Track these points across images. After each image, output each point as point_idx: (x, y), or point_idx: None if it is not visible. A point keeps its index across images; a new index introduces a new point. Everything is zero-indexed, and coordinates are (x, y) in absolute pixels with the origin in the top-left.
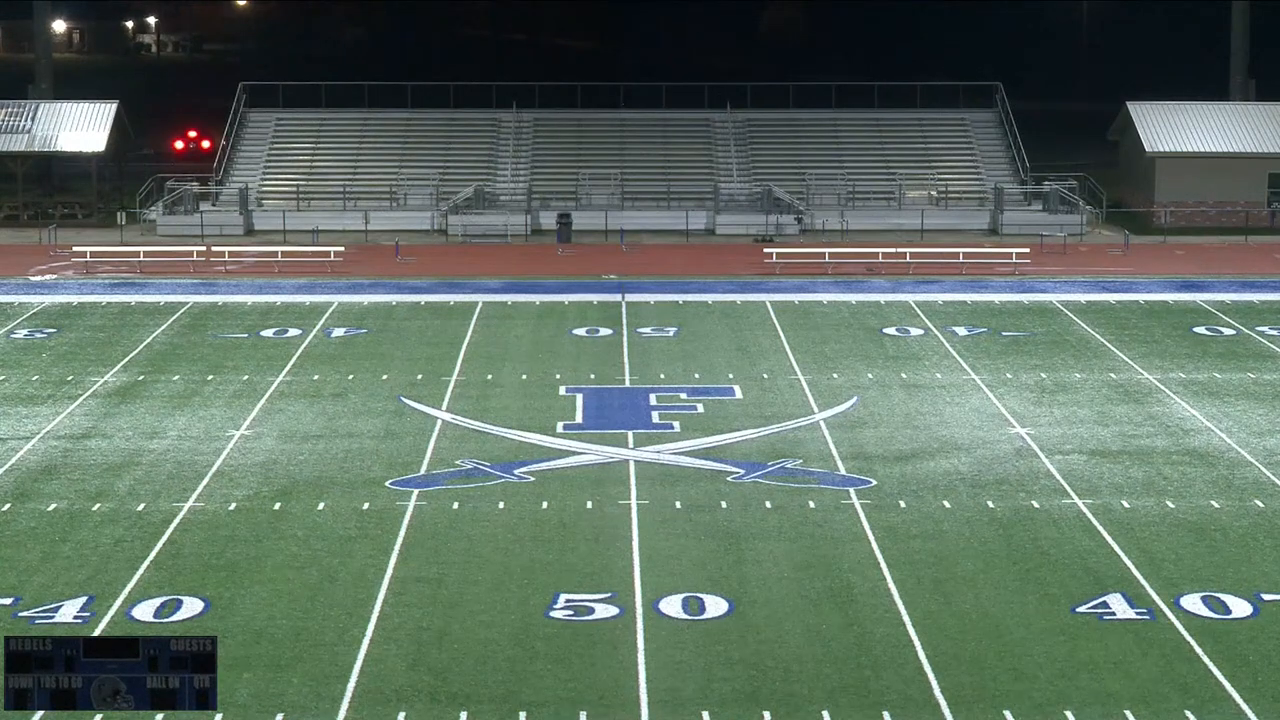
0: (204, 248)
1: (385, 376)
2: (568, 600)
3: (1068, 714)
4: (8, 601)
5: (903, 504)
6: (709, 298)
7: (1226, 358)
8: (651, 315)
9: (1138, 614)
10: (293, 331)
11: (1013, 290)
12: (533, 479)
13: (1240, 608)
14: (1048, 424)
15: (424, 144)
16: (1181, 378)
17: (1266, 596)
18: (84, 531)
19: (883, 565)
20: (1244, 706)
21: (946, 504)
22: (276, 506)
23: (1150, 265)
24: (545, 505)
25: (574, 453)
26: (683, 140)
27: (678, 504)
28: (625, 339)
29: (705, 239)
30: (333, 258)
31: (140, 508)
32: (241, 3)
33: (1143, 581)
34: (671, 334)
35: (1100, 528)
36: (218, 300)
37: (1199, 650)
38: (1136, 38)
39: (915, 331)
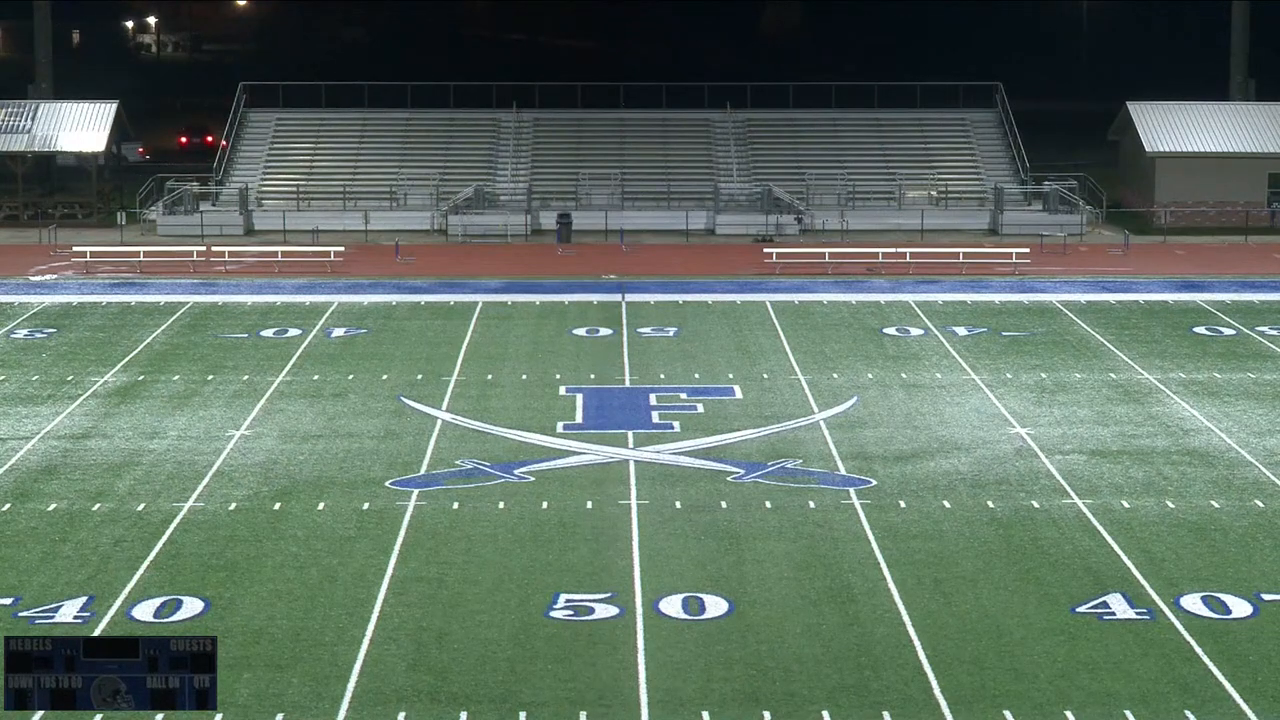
0: (204, 248)
1: (385, 376)
2: (568, 600)
3: (1068, 714)
4: (8, 601)
5: (903, 504)
6: (709, 298)
7: (1226, 358)
8: (651, 315)
9: (1138, 614)
10: (293, 331)
11: (1013, 290)
12: (533, 479)
13: (1240, 608)
14: (1048, 424)
15: (424, 144)
16: (1181, 378)
17: (1266, 596)
18: (84, 531)
19: (883, 565)
20: (1244, 706)
21: (946, 504)
22: (276, 506)
23: (1150, 265)
24: (545, 505)
25: (574, 453)
26: (683, 140)
27: (678, 504)
28: (625, 339)
29: (705, 239)
30: (333, 258)
31: (140, 508)
32: (241, 3)
33: (1143, 581)
34: (671, 334)
35: (1100, 528)
36: (218, 300)
37: (1199, 650)
38: (1136, 38)
39: (915, 331)
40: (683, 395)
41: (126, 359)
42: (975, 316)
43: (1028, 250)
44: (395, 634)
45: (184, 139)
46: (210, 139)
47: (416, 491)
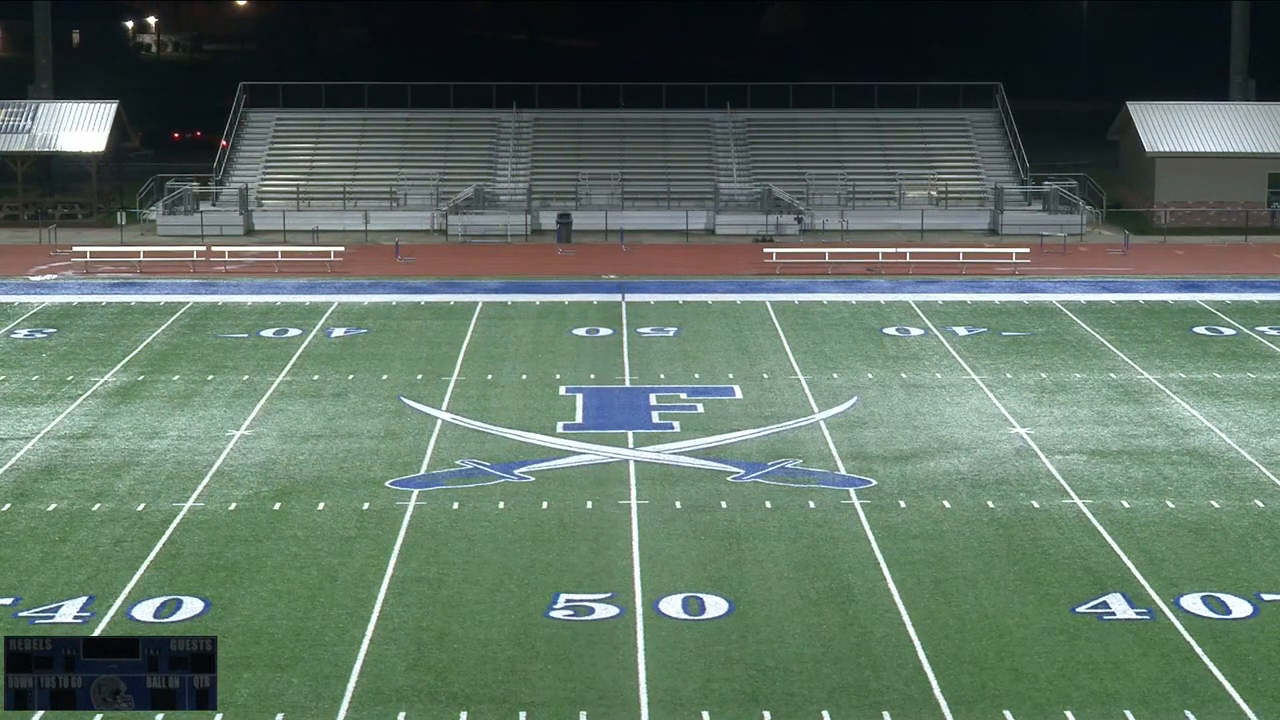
0: (204, 248)
1: (385, 376)
2: (568, 600)
3: (1068, 714)
4: (8, 601)
5: (903, 504)
6: (709, 298)
7: (1226, 358)
8: (651, 315)
9: (1138, 614)
10: (293, 331)
11: (1013, 290)
12: (533, 479)
13: (1240, 608)
14: (1048, 424)
15: (424, 144)
16: (1181, 378)
17: (1266, 596)
18: (84, 531)
19: (883, 565)
20: (1244, 706)
21: (946, 504)
22: (276, 506)
23: (1150, 265)
24: (545, 505)
25: (574, 453)
26: (683, 140)
27: (678, 504)
28: (625, 339)
29: (705, 239)
30: (333, 258)
31: (140, 508)
32: (241, 3)
33: (1143, 581)
34: (671, 334)
35: (1100, 528)
36: (218, 300)
37: (1199, 650)
38: (1136, 38)
39: (915, 331)
40: (683, 395)
41: (126, 359)
42: (975, 316)
43: (1028, 250)
44: (395, 634)
45: (177, 134)
46: (199, 134)
47: (416, 491)
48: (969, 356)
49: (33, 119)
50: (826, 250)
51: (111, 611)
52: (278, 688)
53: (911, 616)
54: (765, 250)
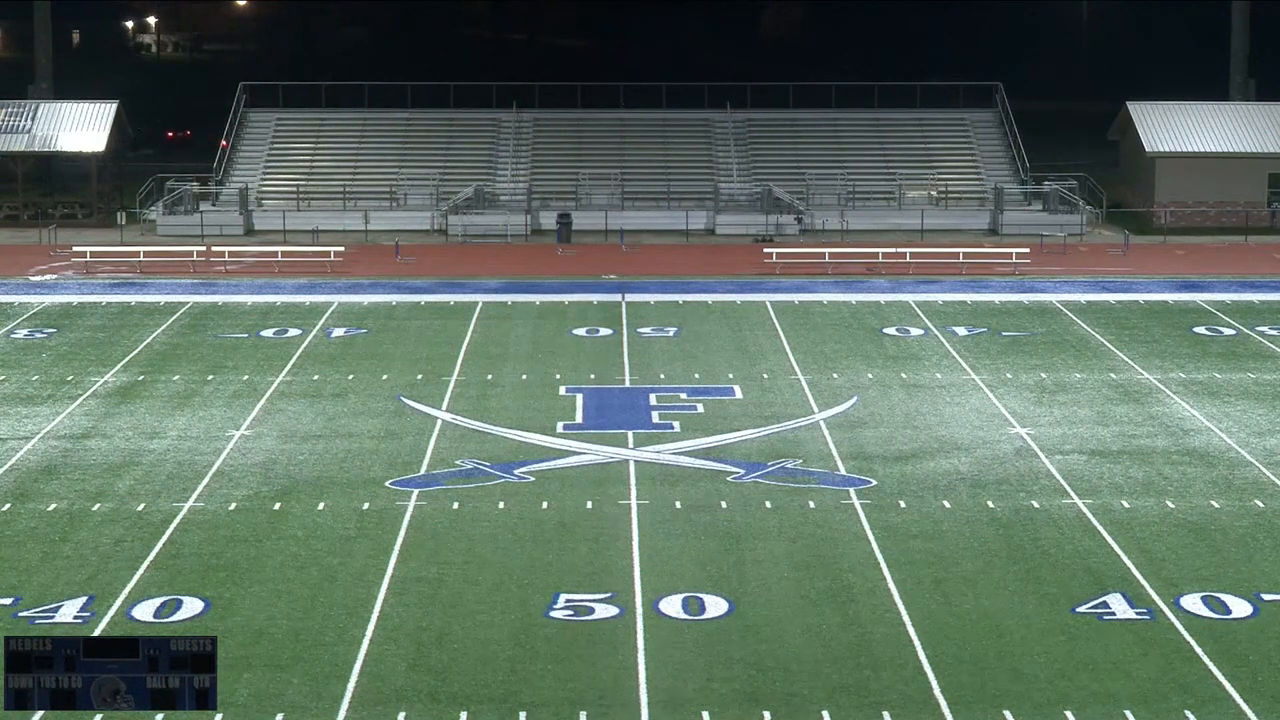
0: (204, 248)
1: (385, 376)
2: (568, 600)
3: (1068, 714)
4: (8, 601)
5: (903, 504)
6: (709, 298)
7: (1226, 358)
8: (651, 315)
9: (1138, 614)
10: (293, 331)
11: (1013, 290)
12: (533, 479)
13: (1240, 608)
14: (1048, 424)
15: (424, 144)
16: (1181, 378)
17: (1266, 596)
18: (84, 531)
19: (883, 565)
20: (1244, 706)
21: (946, 504)
22: (276, 506)
23: (1150, 265)
24: (545, 505)
25: (574, 453)
26: (683, 140)
27: (678, 504)
28: (625, 339)
29: (705, 239)
30: (333, 258)
31: (140, 508)
32: (241, 3)
33: (1143, 581)
34: (671, 334)
35: (1100, 528)
36: (218, 300)
37: (1199, 650)
38: (1136, 38)
39: (915, 331)
40: (683, 395)
41: (126, 359)
42: (975, 316)
43: (1028, 250)
44: (395, 634)
45: (171, 133)
46: (189, 133)
47: (416, 491)
48: (969, 356)
49: (33, 119)
50: (826, 250)
51: (111, 611)
52: (278, 688)
53: (911, 616)
54: (765, 250)
